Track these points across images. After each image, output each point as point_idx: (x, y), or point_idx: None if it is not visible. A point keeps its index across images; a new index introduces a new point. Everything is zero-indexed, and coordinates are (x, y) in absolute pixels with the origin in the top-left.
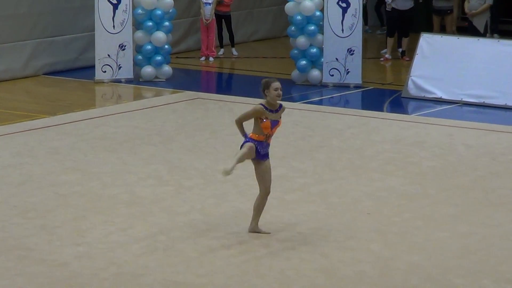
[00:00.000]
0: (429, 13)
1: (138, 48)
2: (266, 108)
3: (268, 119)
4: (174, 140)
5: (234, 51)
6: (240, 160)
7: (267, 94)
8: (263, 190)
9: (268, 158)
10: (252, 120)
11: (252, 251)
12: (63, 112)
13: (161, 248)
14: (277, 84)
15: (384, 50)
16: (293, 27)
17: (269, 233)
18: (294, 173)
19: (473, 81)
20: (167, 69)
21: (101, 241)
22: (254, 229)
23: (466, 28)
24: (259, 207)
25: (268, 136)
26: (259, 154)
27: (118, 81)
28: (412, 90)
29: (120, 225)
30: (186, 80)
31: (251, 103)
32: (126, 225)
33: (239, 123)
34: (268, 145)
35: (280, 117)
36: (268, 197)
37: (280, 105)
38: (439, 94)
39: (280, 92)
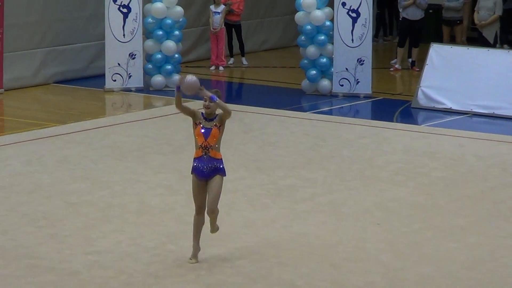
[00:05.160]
0: (439, 23)
1: (148, 57)
2: (202, 114)
3: (200, 124)
4: (184, 149)
5: (244, 60)
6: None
7: None
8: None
9: (218, 174)
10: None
11: (262, 261)
12: (73, 120)
13: (171, 257)
14: (206, 95)
15: (394, 60)
16: (303, 37)
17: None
18: (304, 183)
19: (483, 91)
20: (177, 78)
21: (111, 250)
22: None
23: (476, 39)
24: (195, 225)
25: (206, 148)
26: (203, 173)
27: (128, 90)
28: (422, 101)
29: (130, 234)
30: None
31: (261, 113)
32: (136, 234)
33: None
34: (212, 158)
35: (216, 126)
36: (277, 208)
37: (216, 116)
38: (449, 104)
39: (206, 103)
